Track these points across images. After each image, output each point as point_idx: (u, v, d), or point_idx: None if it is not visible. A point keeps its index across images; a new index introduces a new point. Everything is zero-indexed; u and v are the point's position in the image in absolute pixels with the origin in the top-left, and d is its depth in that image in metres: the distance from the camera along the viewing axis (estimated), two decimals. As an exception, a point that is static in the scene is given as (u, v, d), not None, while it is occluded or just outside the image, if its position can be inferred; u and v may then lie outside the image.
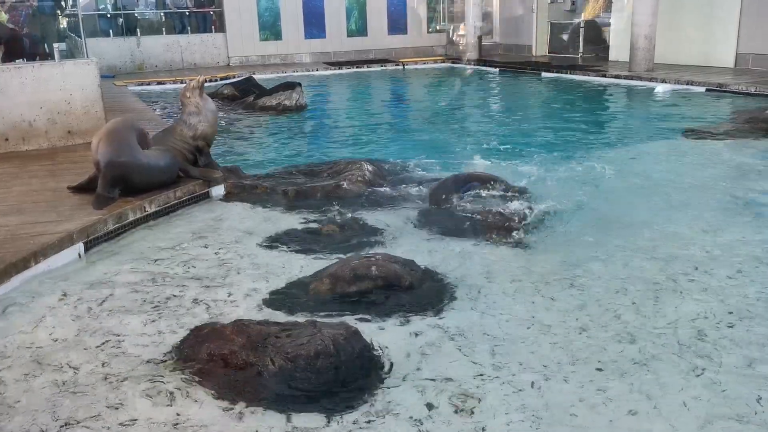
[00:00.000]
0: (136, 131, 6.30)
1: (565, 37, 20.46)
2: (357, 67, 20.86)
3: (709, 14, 15.79)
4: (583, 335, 3.89)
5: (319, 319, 4.01)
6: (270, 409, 3.21)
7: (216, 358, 3.57)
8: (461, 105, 14.72)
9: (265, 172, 8.13)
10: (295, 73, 19.15)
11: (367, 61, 22.03)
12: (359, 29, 23.00)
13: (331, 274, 4.57)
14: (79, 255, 5.26)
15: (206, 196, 6.76)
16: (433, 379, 3.45)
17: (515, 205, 6.15)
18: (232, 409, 3.22)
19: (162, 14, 20.98)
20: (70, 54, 10.02)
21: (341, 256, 5.08)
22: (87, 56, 9.20)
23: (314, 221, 6.00)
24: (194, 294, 4.54)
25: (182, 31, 20.79)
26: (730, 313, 4.11)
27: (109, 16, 20.23)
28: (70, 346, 3.86)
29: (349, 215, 6.12)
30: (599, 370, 3.52)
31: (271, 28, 21.71)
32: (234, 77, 17.20)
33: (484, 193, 6.52)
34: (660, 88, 14.12)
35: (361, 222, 5.94)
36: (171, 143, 6.77)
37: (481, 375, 3.48)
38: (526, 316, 4.15)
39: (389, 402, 3.27)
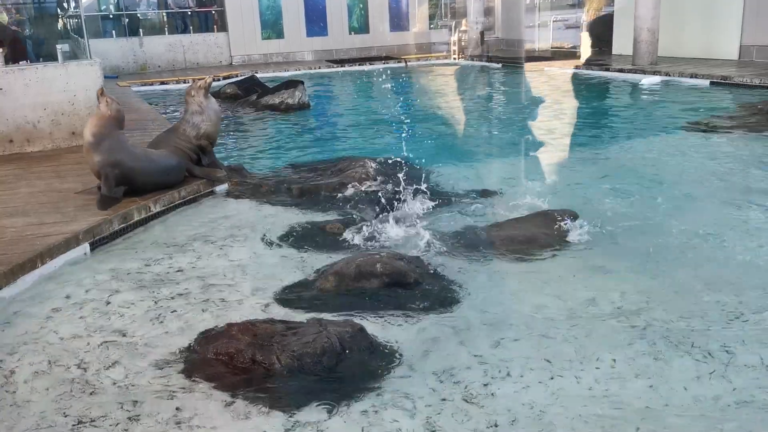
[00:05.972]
0: (114, 123, 6.09)
1: (567, 31, 20.43)
2: (359, 65, 20.85)
3: (712, 6, 15.72)
4: (589, 331, 3.88)
5: (324, 317, 4.02)
6: (277, 407, 3.22)
7: (223, 357, 3.58)
8: (464, 101, 14.69)
9: (268, 170, 8.15)
10: (298, 72, 19.18)
11: (370, 58, 22.01)
12: (361, 26, 22.99)
13: (336, 272, 4.58)
14: (86, 255, 5.29)
15: (211, 195, 6.78)
16: (439, 375, 3.46)
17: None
18: (239, 407, 3.23)
19: (164, 14, 21.01)
20: (74, 55, 10.04)
21: (346, 253, 5.09)
22: (90, 57, 9.23)
23: (319, 219, 6.01)
24: (200, 293, 4.55)
25: (184, 30, 20.84)
26: (745, 308, 4.10)
27: (111, 16, 20.27)
28: (78, 346, 3.87)
29: (354, 213, 6.12)
30: (610, 364, 3.51)
31: (272, 27, 21.72)
32: (236, 76, 17.22)
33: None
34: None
35: (365, 219, 5.94)
36: (174, 143, 6.79)
37: (487, 370, 3.48)
38: (532, 311, 4.15)
39: (396, 398, 3.27)
